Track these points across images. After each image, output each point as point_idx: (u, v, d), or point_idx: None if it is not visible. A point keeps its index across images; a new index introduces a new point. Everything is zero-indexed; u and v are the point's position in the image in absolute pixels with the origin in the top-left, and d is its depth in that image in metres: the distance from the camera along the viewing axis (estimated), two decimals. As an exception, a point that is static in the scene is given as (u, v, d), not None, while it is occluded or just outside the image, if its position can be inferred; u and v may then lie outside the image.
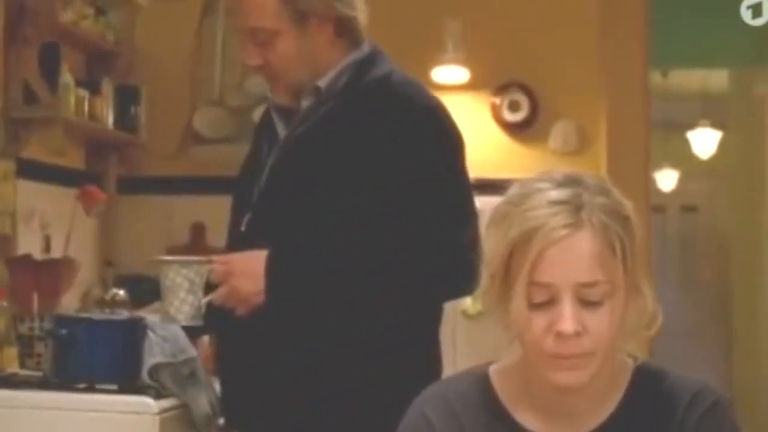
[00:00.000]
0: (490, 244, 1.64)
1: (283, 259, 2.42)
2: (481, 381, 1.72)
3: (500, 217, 1.64)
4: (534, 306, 1.59)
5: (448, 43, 4.72)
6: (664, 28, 5.49)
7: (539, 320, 1.59)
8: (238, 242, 2.52)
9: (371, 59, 2.50)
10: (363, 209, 2.39)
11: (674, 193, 10.38)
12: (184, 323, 2.45)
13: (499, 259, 1.61)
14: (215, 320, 2.46)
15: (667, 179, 10.03)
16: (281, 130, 2.54)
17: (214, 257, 2.45)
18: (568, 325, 1.57)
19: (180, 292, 2.39)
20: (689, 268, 10.68)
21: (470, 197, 2.47)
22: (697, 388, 1.67)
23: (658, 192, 9.52)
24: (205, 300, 2.41)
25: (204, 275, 2.41)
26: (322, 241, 2.40)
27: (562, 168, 1.69)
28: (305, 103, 2.50)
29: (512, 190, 1.66)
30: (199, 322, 2.43)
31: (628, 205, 1.65)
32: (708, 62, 8.00)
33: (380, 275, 2.37)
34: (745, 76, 8.06)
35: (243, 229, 2.51)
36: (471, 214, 2.42)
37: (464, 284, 2.30)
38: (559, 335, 1.58)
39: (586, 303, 1.58)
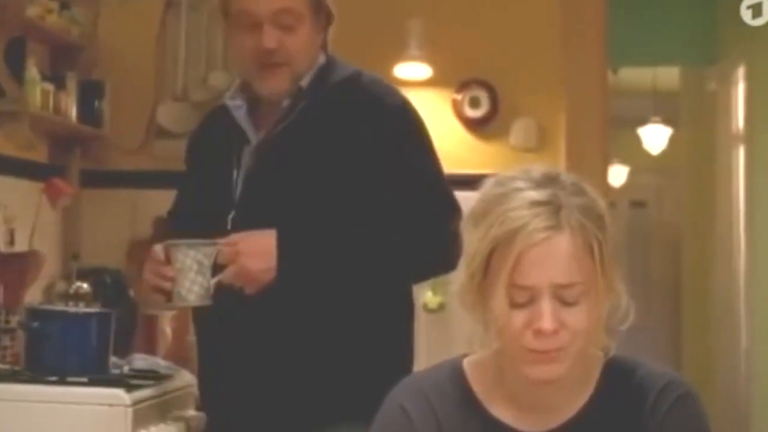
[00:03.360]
0: (470, 243, 1.67)
1: (292, 237, 2.46)
2: (455, 374, 1.75)
3: (480, 215, 1.67)
4: (514, 305, 1.63)
5: (410, 40, 4.75)
6: (616, 26, 5.55)
7: (519, 318, 1.63)
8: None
9: (332, 62, 2.60)
10: (348, 206, 2.46)
11: (624, 188, 10.46)
12: (195, 304, 2.47)
13: (479, 258, 1.65)
14: (223, 300, 2.48)
15: (617, 175, 10.10)
16: (251, 130, 2.59)
17: (220, 240, 2.47)
18: (547, 323, 1.61)
19: (190, 274, 2.43)
20: (638, 263, 10.76)
21: (446, 182, 2.57)
22: (666, 380, 1.71)
23: (608, 187, 9.59)
24: (214, 280, 2.44)
25: (212, 256, 2.44)
26: (321, 226, 2.46)
27: (539, 166, 1.72)
28: (285, 102, 2.55)
29: (490, 188, 1.69)
30: (208, 302, 2.46)
31: (602, 204, 1.69)
32: (659, 60, 8.07)
33: (374, 261, 2.45)
34: (696, 74, 8.13)
35: (229, 227, 2.53)
36: (455, 201, 2.50)
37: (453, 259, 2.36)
38: (539, 332, 1.62)
39: (563, 302, 1.63)
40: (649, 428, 1.68)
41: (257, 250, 2.44)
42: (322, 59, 2.59)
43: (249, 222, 2.51)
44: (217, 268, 2.46)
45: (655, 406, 1.69)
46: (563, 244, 1.62)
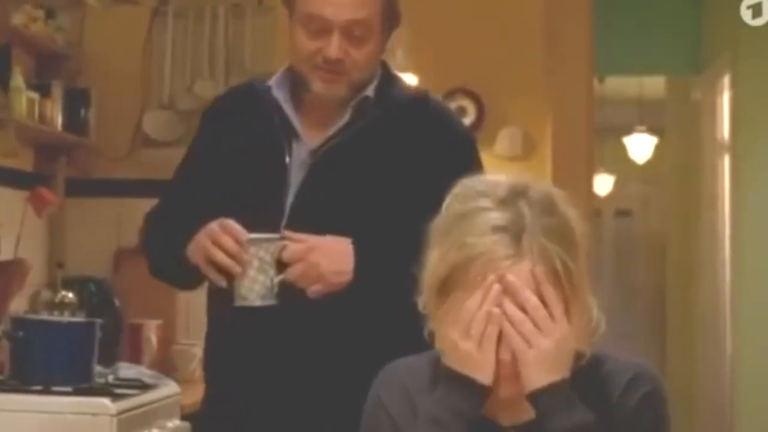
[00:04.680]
0: (431, 260, 1.67)
1: (369, 242, 2.31)
2: (432, 360, 1.74)
3: (441, 232, 1.67)
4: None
5: (397, 50, 4.75)
6: (602, 36, 5.57)
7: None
8: None
9: (390, 70, 2.51)
10: (406, 225, 2.19)
11: (609, 197, 10.49)
12: (256, 304, 2.28)
13: (436, 277, 1.65)
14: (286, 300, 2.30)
15: (602, 183, 10.12)
16: (301, 127, 2.44)
17: (287, 233, 2.30)
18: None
19: (250, 271, 2.27)
20: (624, 271, 10.80)
21: None
22: (633, 372, 1.71)
23: (594, 196, 9.62)
24: (278, 278, 2.28)
25: (274, 253, 2.27)
26: (389, 239, 2.32)
27: (508, 176, 1.70)
28: (348, 108, 2.41)
29: (454, 202, 1.68)
30: (271, 302, 2.28)
31: (573, 216, 1.67)
32: (645, 69, 8.10)
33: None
34: (681, 83, 8.16)
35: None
36: None
37: None
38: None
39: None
40: (615, 419, 1.67)
41: (332, 248, 2.30)
42: (378, 66, 2.47)
43: (305, 228, 2.33)
44: (281, 267, 2.29)
45: (622, 398, 1.69)
46: (523, 271, 1.61)
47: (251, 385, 2.38)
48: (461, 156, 2.38)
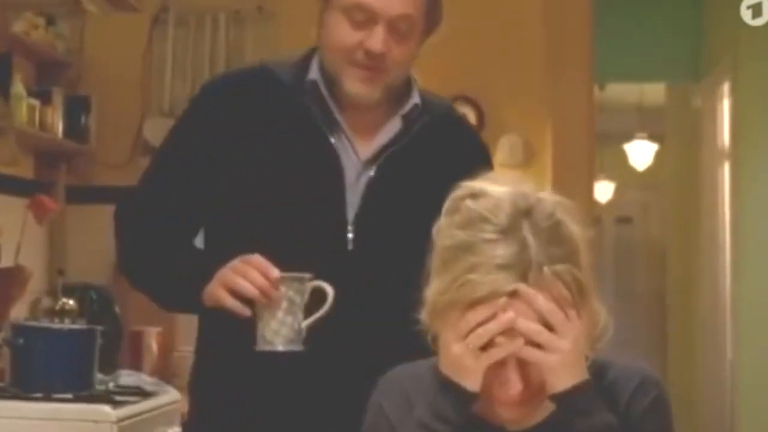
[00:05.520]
0: (433, 287, 1.64)
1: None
2: (434, 365, 1.72)
3: (442, 262, 1.64)
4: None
5: (397, 57, 4.76)
6: (602, 43, 5.58)
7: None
8: (342, 262, 2.16)
9: (415, 82, 2.34)
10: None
11: (610, 204, 10.50)
12: (282, 349, 2.04)
13: (439, 307, 1.63)
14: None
15: (603, 190, 10.13)
16: (353, 135, 2.24)
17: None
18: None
19: (278, 312, 2.03)
20: (624, 278, 10.81)
21: None
22: (639, 379, 1.71)
23: (594, 203, 9.63)
24: (306, 322, 2.05)
25: (306, 294, 2.05)
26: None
27: (508, 190, 1.65)
28: (398, 115, 2.26)
29: (453, 228, 1.65)
30: (297, 347, 2.05)
31: (578, 229, 1.64)
32: (645, 76, 8.11)
33: None
34: (681, 90, 8.17)
35: (351, 248, 2.18)
36: None
37: None
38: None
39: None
40: (624, 425, 1.66)
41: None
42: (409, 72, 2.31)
43: (373, 245, 2.18)
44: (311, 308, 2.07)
45: (630, 403, 1.69)
46: (530, 304, 1.59)
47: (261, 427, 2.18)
48: (488, 165, 2.33)
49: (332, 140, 2.20)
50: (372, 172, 2.21)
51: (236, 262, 2.07)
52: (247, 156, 2.20)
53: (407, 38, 2.19)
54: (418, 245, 1.99)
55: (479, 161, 2.24)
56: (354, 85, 2.19)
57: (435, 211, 2.03)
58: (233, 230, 2.20)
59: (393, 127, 2.25)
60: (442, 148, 2.28)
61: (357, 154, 2.22)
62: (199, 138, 2.24)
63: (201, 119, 2.27)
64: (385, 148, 2.23)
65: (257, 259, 2.06)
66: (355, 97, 2.20)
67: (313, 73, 2.23)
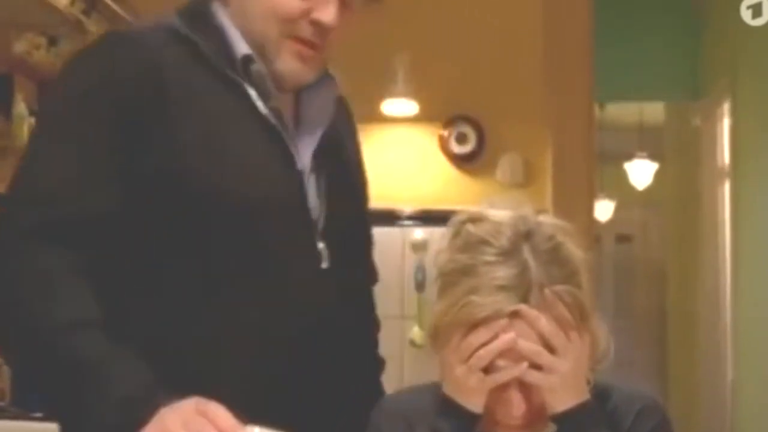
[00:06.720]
0: (436, 309, 1.66)
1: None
2: (435, 388, 1.74)
3: (446, 284, 1.65)
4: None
5: (397, 77, 4.77)
6: (602, 62, 5.59)
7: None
8: (314, 282, 1.79)
9: None
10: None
11: (610, 222, 10.50)
12: None
13: (441, 329, 1.64)
14: None
15: (603, 209, 10.13)
16: (289, 117, 1.86)
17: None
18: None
19: None
20: (624, 297, 10.80)
21: None
22: (642, 404, 1.72)
23: (594, 222, 9.63)
24: None
25: None
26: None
27: (508, 214, 1.66)
28: (329, 98, 1.90)
29: (455, 252, 1.65)
30: None
31: (578, 255, 1.66)
32: (645, 96, 8.12)
33: None
34: (681, 110, 8.19)
35: (325, 266, 1.80)
36: None
37: None
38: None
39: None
40: None
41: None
42: None
43: (336, 244, 1.83)
44: None
45: (631, 430, 1.70)
46: (530, 326, 1.61)
47: None
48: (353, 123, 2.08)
49: (275, 125, 1.80)
50: (321, 164, 1.85)
51: (189, 410, 1.51)
52: (188, 141, 1.72)
53: (350, 9, 1.84)
54: (368, 242, 2.00)
55: (353, 126, 2.02)
56: (289, 62, 1.79)
57: (366, 200, 2.00)
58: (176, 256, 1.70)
59: (328, 112, 1.88)
60: (347, 134, 2.00)
61: (297, 149, 1.84)
62: (123, 121, 1.71)
63: (113, 90, 1.71)
64: (328, 137, 1.87)
65: (217, 411, 1.51)
66: (288, 78, 1.81)
67: (242, 46, 1.79)
